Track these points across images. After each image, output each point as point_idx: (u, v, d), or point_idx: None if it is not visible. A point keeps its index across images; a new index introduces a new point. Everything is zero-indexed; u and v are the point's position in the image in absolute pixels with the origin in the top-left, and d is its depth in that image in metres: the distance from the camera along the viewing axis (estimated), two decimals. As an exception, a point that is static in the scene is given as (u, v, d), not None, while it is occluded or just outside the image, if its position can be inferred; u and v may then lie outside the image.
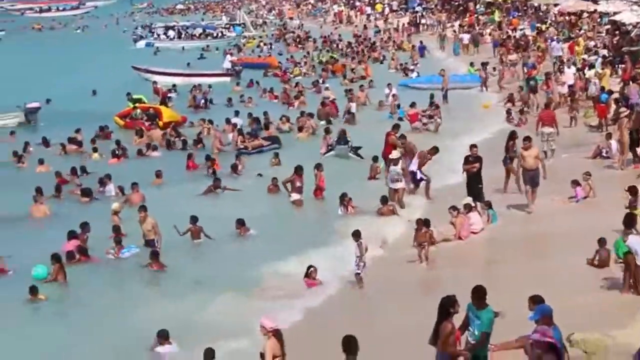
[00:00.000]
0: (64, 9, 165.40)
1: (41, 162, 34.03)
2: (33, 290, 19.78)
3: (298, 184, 27.42)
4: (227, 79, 58.28)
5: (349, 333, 12.31)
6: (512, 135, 26.87)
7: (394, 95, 43.75)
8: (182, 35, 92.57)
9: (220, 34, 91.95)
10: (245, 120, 40.46)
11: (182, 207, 26.41)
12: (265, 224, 25.22)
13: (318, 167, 28.09)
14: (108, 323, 18.48)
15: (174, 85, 53.45)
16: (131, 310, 19.04)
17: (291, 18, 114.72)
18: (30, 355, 17.15)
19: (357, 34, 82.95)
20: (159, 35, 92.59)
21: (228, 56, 66.75)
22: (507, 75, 49.41)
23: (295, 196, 27.35)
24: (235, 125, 38.69)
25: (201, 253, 23.43)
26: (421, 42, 69.76)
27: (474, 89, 47.80)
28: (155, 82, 50.54)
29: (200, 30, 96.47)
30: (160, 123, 40.81)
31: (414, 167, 26.82)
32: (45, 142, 37.77)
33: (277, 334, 13.97)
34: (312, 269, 20.18)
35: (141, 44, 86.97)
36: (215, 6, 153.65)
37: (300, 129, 38.77)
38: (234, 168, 31.71)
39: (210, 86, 53.30)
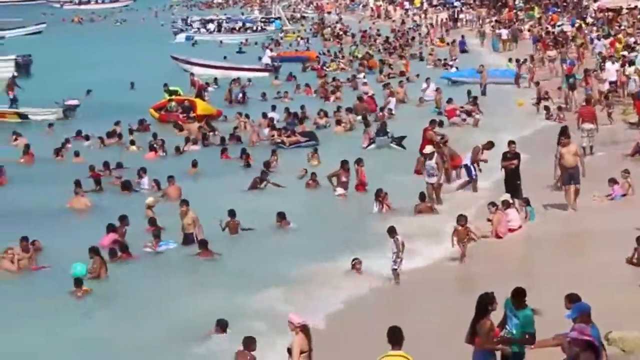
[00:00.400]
0: (103, 2, 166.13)
1: (77, 154, 34.26)
2: (78, 283, 19.75)
3: (344, 178, 27.38)
4: (266, 74, 58.26)
5: (384, 328, 12.33)
6: (564, 131, 25.76)
7: (437, 89, 43.54)
8: (222, 29, 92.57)
9: (259, 28, 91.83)
10: (282, 114, 40.51)
11: (218, 201, 26.42)
12: (305, 218, 25.26)
13: (359, 161, 28.04)
14: (153, 314, 18.51)
15: (215, 79, 53.56)
16: (174, 302, 19.06)
17: (329, 12, 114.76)
18: (78, 347, 17.12)
19: (395, 29, 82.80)
20: (198, 28, 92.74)
21: (268, 51, 66.89)
22: (540, 72, 49.14)
23: (339, 190, 27.32)
24: (272, 119, 38.76)
25: (242, 246, 23.33)
26: (463, 37, 69.49)
27: (510, 85, 47.59)
28: (192, 74, 50.67)
29: (240, 24, 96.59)
30: (194, 115, 41.02)
31: (467, 161, 26.71)
32: (83, 136, 37.82)
33: (304, 329, 14.15)
34: (356, 261, 20.15)
35: (181, 37, 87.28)
36: (252, 0, 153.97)
37: (338, 123, 38.70)
38: (267, 164, 31.60)
39: (249, 80, 53.44)
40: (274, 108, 41.54)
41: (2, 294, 20.29)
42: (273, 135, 36.31)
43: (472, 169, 26.78)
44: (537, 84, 42.45)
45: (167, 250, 22.91)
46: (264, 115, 39.71)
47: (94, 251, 20.98)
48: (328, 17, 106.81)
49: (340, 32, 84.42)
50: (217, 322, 16.77)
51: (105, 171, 31.48)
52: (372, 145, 33.48)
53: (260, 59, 66.38)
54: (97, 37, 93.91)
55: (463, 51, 64.59)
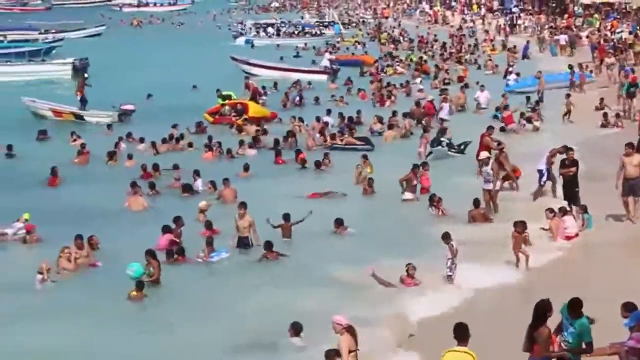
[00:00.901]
0: (161, 5, 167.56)
1: (130, 157, 34.40)
2: (139, 286, 19.79)
3: (414, 182, 27.22)
4: (324, 76, 58.35)
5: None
6: (631, 143, 25.15)
7: (504, 96, 43.03)
8: (281, 33, 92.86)
9: (318, 32, 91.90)
10: (336, 119, 40.53)
11: (273, 204, 26.45)
12: (361, 223, 25.08)
13: (424, 165, 27.92)
14: (214, 317, 18.43)
15: (275, 83, 53.81)
16: (234, 305, 19.07)
17: (386, 17, 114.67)
18: (138, 350, 17.15)
19: (453, 34, 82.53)
20: (257, 32, 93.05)
21: (327, 54, 66.94)
22: (599, 79, 48.67)
23: (407, 195, 27.10)
24: (326, 123, 38.80)
25: (296, 250, 23.16)
26: (528, 42, 68.90)
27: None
28: (247, 77, 50.79)
29: (299, 28, 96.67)
30: (244, 117, 41.22)
31: (542, 166, 26.43)
32: (137, 138, 38.08)
33: (350, 329, 14.52)
34: (409, 266, 20.03)
35: (240, 40, 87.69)
36: (309, 4, 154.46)
37: (390, 127, 38.50)
38: (318, 164, 31.77)
39: (309, 83, 53.59)
40: (328, 112, 41.54)
41: (62, 293, 20.42)
42: (326, 140, 36.28)
43: (546, 172, 26.38)
44: (568, 96, 41.67)
45: (219, 260, 22.55)
46: (318, 119, 39.71)
47: (151, 254, 20.88)
48: (385, 22, 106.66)
49: (397, 37, 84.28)
50: (292, 325, 16.45)
51: (155, 172, 31.68)
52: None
53: (314, 62, 66.60)
54: (155, 40, 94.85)
55: (524, 57, 64.07)
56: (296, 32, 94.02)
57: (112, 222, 26.17)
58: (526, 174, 27.92)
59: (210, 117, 42.38)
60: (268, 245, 22.06)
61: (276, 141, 36.32)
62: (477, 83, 49.16)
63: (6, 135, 38.05)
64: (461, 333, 12.69)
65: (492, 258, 21.56)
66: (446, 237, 19.92)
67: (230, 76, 54.11)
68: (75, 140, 37.69)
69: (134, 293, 19.68)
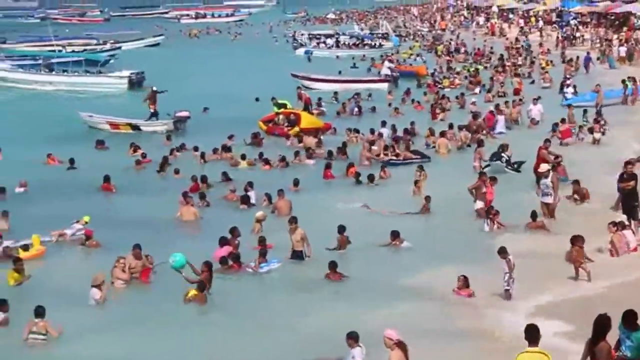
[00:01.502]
0: (219, 16, 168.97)
1: (177, 172, 34.18)
2: (201, 287, 19.84)
3: (483, 189, 26.82)
4: (385, 84, 58.28)
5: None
6: None
7: (570, 106, 42.56)
8: (340, 44, 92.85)
9: (377, 44, 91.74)
10: (390, 130, 40.45)
11: (327, 217, 26.53)
12: (416, 236, 24.86)
13: (491, 178, 27.59)
14: (271, 328, 18.47)
15: (335, 93, 53.83)
16: (290, 316, 19.06)
17: (443, 29, 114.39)
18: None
19: (509, 47, 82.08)
20: (317, 43, 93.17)
21: (387, 62, 66.82)
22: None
23: (479, 204, 26.68)
24: (380, 135, 38.73)
25: (353, 262, 22.92)
26: (588, 53, 68.24)
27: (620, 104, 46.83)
28: (299, 87, 50.71)
29: (358, 39, 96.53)
30: (297, 129, 41.22)
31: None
32: (191, 148, 38.27)
33: (401, 345, 14.59)
34: (461, 277, 19.95)
35: (300, 51, 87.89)
36: (365, 16, 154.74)
37: (442, 134, 38.15)
38: (371, 178, 31.59)
39: (370, 94, 53.76)
40: (383, 124, 41.28)
41: (118, 302, 20.59)
42: (379, 155, 36.11)
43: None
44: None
45: (269, 270, 22.42)
46: (372, 131, 39.55)
47: (207, 266, 20.73)
48: (442, 34, 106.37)
49: (453, 50, 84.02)
50: (348, 335, 15.97)
51: (203, 184, 31.72)
52: (487, 169, 32.97)
53: (369, 70, 66.39)
54: (212, 51, 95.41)
55: (586, 68, 63.36)
56: (355, 44, 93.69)
57: (164, 231, 26.34)
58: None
59: (264, 125, 42.48)
60: (332, 265, 21.67)
61: (329, 153, 36.32)
62: (538, 98, 48.74)
63: (65, 145, 38.62)
64: (532, 334, 13.03)
65: (551, 272, 21.29)
66: (503, 251, 19.74)
67: (286, 87, 53.96)
68: (135, 151, 37.99)
69: (194, 293, 19.67)
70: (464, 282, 19.94)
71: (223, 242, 23.35)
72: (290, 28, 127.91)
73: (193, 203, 28.34)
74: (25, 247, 23.64)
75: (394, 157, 35.62)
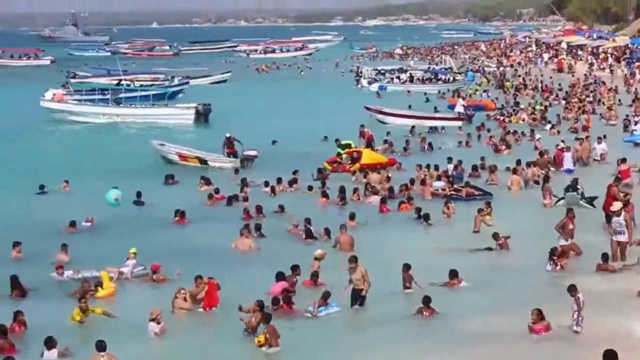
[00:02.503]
0: (287, 50, 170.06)
1: (244, 204, 34.48)
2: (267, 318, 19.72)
3: (570, 226, 26.39)
4: (459, 123, 58.10)
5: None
6: None
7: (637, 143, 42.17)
8: (414, 79, 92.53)
9: (452, 79, 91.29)
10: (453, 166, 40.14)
11: (386, 254, 26.47)
12: (476, 275, 24.51)
13: (568, 211, 27.15)
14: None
15: (413, 127, 53.57)
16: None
17: (512, 65, 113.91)
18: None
19: (575, 84, 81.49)
20: (391, 78, 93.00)
21: (460, 100, 66.59)
22: None
23: (563, 242, 26.09)
24: (445, 172, 38.49)
25: (413, 303, 22.52)
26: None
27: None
28: (362, 125, 50.42)
29: (432, 74, 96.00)
30: (357, 165, 41.25)
31: None
32: (253, 182, 38.40)
33: None
34: (534, 310, 19.47)
35: (374, 86, 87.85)
36: (430, 52, 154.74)
37: (514, 172, 37.48)
38: (426, 217, 31.02)
39: (443, 128, 53.89)
40: (449, 160, 41.12)
41: (179, 334, 20.61)
42: (444, 189, 35.84)
43: None
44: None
45: (327, 315, 21.85)
46: (436, 167, 39.25)
47: (259, 305, 20.41)
48: (510, 70, 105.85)
49: (521, 85, 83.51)
50: None
51: (259, 215, 31.95)
52: (561, 202, 32.50)
53: (436, 109, 66.51)
54: (280, 86, 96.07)
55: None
56: (428, 79, 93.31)
57: (224, 261, 26.31)
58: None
59: (329, 166, 42.57)
60: (426, 300, 21.26)
61: (390, 189, 36.13)
62: (603, 136, 48.06)
63: (134, 179, 38.88)
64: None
65: (623, 311, 20.90)
66: (572, 289, 19.42)
67: (352, 122, 53.78)
68: (204, 185, 38.17)
69: (260, 339, 19.34)
70: (538, 316, 19.43)
71: (280, 277, 23.25)
72: (358, 63, 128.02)
73: (248, 235, 28.55)
74: (99, 285, 23.78)
75: (454, 193, 35.32)
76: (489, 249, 27.22)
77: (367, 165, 40.89)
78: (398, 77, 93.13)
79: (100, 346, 18.07)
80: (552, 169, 39.37)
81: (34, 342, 19.63)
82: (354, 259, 22.63)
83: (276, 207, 33.19)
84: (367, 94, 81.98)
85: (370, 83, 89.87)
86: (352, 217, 31.16)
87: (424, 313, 21.09)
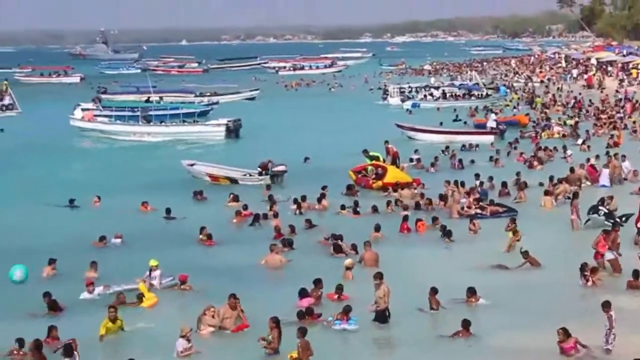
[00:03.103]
0: (316, 67, 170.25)
1: (255, 220, 34.82)
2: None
3: (618, 240, 26.43)
4: (491, 137, 57.99)
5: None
6: None
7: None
8: (447, 95, 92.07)
9: (485, 95, 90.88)
10: (487, 183, 40.10)
11: (405, 269, 26.60)
12: (497, 292, 24.28)
13: (614, 226, 26.97)
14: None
15: (447, 147, 53.31)
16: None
17: (542, 81, 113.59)
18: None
19: (604, 99, 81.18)
20: (425, 95, 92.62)
21: (492, 115, 66.45)
22: None
23: (610, 255, 26.15)
24: (472, 189, 38.33)
25: (437, 323, 22.50)
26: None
27: None
28: (386, 142, 50.11)
29: (465, 90, 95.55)
30: (380, 182, 41.31)
31: None
32: (279, 199, 38.44)
33: None
34: (560, 330, 19.23)
35: (408, 103, 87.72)
36: (457, 68, 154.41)
37: (546, 194, 37.34)
38: (449, 234, 30.95)
39: (477, 145, 54.09)
40: (477, 176, 40.96)
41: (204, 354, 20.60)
42: (469, 207, 35.67)
43: None
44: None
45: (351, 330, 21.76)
46: (462, 183, 39.06)
47: (274, 322, 20.32)
48: (540, 86, 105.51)
49: (550, 103, 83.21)
50: None
51: (292, 233, 32.04)
52: (588, 223, 32.34)
53: (465, 123, 66.28)
54: (309, 102, 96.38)
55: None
56: (462, 95, 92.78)
57: (254, 279, 26.44)
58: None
59: (354, 175, 42.52)
60: (465, 324, 20.93)
61: (416, 205, 36.24)
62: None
63: (164, 196, 39.08)
64: None
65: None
66: (606, 305, 19.23)
67: (382, 139, 53.55)
68: (234, 200, 38.26)
69: (294, 355, 19.34)
70: (565, 334, 19.18)
71: (303, 294, 23.42)
72: (388, 79, 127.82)
73: (278, 251, 28.66)
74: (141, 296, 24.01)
75: (479, 211, 35.12)
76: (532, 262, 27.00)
77: (389, 184, 40.84)
78: (431, 94, 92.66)
79: None
80: (587, 183, 39.49)
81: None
82: (379, 276, 22.60)
83: (303, 223, 33.24)
84: (397, 111, 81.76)
85: (403, 100, 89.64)
86: (377, 229, 31.45)
87: (461, 335, 20.80)
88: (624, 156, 43.57)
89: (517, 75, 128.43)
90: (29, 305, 23.79)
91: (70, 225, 34.96)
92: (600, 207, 32.53)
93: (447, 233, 31.01)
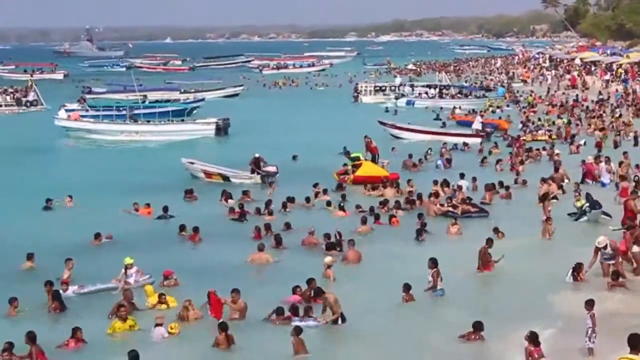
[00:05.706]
0: (300, 66, 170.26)
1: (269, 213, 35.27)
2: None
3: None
4: (478, 139, 57.79)
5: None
6: None
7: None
8: (443, 94, 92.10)
9: (481, 95, 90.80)
10: (470, 183, 40.36)
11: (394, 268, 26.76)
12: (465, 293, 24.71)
13: (629, 229, 27.11)
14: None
15: (430, 150, 53.36)
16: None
17: (525, 81, 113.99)
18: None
19: (586, 99, 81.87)
20: (420, 93, 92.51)
21: (479, 117, 66.26)
22: None
23: (636, 248, 26.09)
24: (459, 187, 38.66)
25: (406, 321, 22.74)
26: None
27: None
28: (366, 136, 49.96)
29: (464, 90, 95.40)
30: (351, 177, 42.03)
31: None
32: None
33: None
34: (527, 334, 18.74)
35: (402, 101, 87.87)
36: (444, 68, 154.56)
37: (543, 198, 36.64)
38: (419, 233, 31.23)
39: (466, 144, 54.88)
40: (462, 176, 40.98)
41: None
42: (442, 205, 35.74)
43: None
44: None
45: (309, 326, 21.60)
46: (447, 183, 39.31)
47: (222, 329, 20.53)
48: (522, 86, 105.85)
49: (535, 102, 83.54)
50: None
51: (268, 232, 32.11)
52: (583, 218, 32.69)
53: (444, 124, 67.46)
54: (295, 100, 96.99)
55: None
56: (457, 94, 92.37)
57: (239, 276, 26.42)
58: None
59: (338, 177, 42.98)
60: (477, 325, 20.68)
61: (397, 202, 36.38)
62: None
63: (155, 195, 39.07)
64: (635, 341, 14.26)
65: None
66: (589, 304, 19.28)
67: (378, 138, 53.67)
68: (226, 199, 38.52)
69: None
70: (531, 341, 18.61)
71: (296, 291, 23.90)
72: (372, 78, 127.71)
73: (263, 249, 28.83)
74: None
75: (452, 210, 35.22)
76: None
77: (362, 179, 41.36)
78: (426, 93, 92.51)
79: (133, 356, 18.49)
80: (567, 182, 39.90)
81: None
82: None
83: (282, 226, 33.18)
84: (375, 110, 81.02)
85: (397, 98, 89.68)
86: (364, 221, 32.15)
87: (472, 337, 20.56)
88: (607, 157, 43.72)
89: (501, 75, 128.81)
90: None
91: (54, 227, 34.66)
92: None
93: (417, 231, 31.25)
